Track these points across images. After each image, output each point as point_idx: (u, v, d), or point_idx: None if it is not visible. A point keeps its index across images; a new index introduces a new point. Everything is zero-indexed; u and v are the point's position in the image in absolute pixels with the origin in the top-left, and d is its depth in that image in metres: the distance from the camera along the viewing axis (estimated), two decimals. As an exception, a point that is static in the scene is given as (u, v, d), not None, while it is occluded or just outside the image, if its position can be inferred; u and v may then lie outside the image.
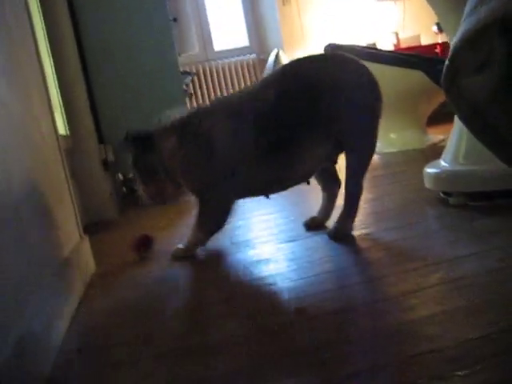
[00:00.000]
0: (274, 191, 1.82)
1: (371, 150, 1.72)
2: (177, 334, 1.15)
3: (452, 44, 0.78)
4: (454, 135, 1.89)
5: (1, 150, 1.11)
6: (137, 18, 2.90)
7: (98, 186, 2.77)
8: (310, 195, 2.46)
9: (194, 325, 1.20)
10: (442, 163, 1.92)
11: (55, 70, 2.66)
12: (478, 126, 0.92)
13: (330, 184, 1.87)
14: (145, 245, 1.84)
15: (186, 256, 1.76)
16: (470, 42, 0.76)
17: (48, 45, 2.65)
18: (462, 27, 0.76)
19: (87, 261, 1.75)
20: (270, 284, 1.36)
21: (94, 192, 2.75)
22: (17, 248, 1.10)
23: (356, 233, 1.70)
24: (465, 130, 1.84)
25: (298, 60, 1.75)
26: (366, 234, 1.68)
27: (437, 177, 1.90)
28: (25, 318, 1.04)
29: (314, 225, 1.86)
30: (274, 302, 1.26)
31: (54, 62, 2.65)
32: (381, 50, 3.92)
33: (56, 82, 2.68)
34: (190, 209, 2.66)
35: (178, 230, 2.23)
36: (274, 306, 1.22)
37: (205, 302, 1.35)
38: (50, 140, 1.67)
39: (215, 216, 1.77)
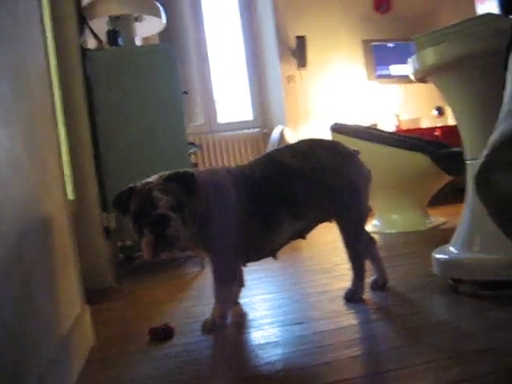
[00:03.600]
0: (251, 259, 1.93)
1: (360, 219, 1.92)
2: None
3: (490, 142, 0.79)
4: (465, 222, 1.89)
5: (14, 215, 1.09)
6: (150, 90, 2.95)
7: (98, 253, 2.74)
8: (308, 276, 2.42)
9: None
10: (452, 249, 1.90)
11: (66, 133, 2.68)
12: (505, 220, 0.91)
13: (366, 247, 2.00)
14: (166, 336, 1.72)
15: (216, 328, 1.74)
16: (510, 141, 0.76)
17: (62, 113, 2.68)
18: (502, 127, 0.77)
19: (87, 333, 1.69)
20: (280, 370, 1.31)
21: (93, 259, 2.71)
22: (24, 317, 1.06)
23: (360, 320, 1.66)
24: (476, 217, 1.84)
25: (286, 146, 1.98)
26: (375, 320, 1.64)
27: (447, 263, 1.87)
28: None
29: (377, 286, 2.02)
30: (285, 390, 1.21)
31: (66, 125, 2.67)
32: (384, 132, 3.99)
33: (67, 147, 2.69)
34: (189, 282, 2.64)
35: (180, 305, 2.18)
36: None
37: (211, 385, 1.29)
38: (59, 205, 1.65)
39: (229, 266, 1.82)
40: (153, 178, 1.68)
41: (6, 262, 0.99)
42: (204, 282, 2.59)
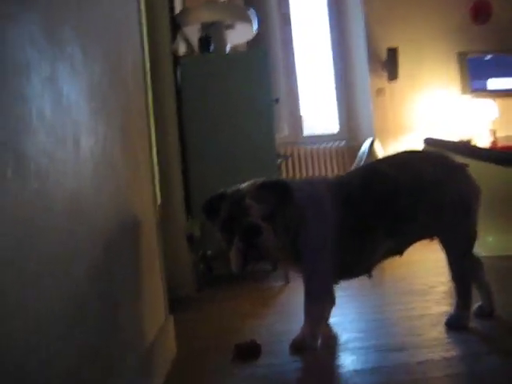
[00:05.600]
0: (344, 277, 1.80)
1: (468, 238, 1.73)
2: None
3: None
4: None
5: (106, 209, 1.02)
6: (241, 97, 2.89)
7: (180, 260, 2.68)
8: (402, 297, 2.24)
9: None
10: None
11: (156, 141, 2.65)
12: None
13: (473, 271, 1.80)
14: (253, 354, 1.60)
15: (306, 348, 1.60)
16: None
17: (153, 116, 2.66)
18: None
19: (170, 346, 1.61)
20: (382, 403, 1.17)
21: (175, 267, 2.65)
22: (107, 328, 0.98)
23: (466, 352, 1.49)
24: None
25: (387, 157, 1.87)
26: (483, 354, 1.46)
27: None
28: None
29: (483, 314, 1.80)
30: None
31: (155, 129, 2.65)
32: (483, 148, 3.75)
33: (156, 149, 2.67)
34: (273, 297, 2.53)
35: (264, 320, 2.07)
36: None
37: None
38: (149, 208, 1.59)
39: (323, 282, 1.67)
40: (245, 185, 1.59)
41: (94, 264, 0.92)
42: (289, 297, 2.48)
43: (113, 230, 1.08)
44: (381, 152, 4.20)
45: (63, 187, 0.77)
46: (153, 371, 1.30)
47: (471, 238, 1.72)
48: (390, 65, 5.21)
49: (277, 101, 3.01)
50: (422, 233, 1.76)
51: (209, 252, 3.40)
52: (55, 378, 0.69)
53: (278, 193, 1.56)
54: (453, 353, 1.47)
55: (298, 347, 1.61)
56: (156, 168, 2.61)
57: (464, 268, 1.72)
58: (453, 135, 5.07)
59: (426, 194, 1.70)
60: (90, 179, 0.91)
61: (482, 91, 5.41)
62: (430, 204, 1.69)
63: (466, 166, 1.78)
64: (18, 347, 0.59)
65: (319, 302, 1.66)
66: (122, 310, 1.10)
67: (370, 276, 1.80)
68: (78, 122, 0.84)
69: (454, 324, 1.71)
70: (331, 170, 5.20)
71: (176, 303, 2.49)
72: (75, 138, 0.82)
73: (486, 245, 3.50)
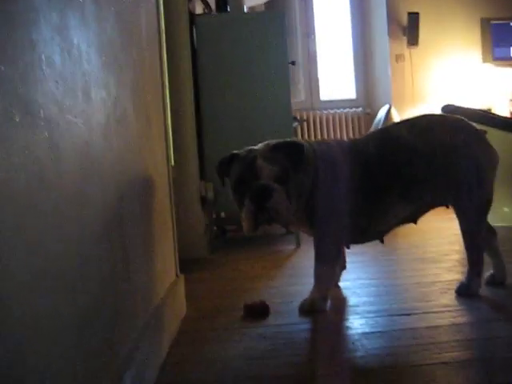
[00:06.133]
0: (356, 241, 1.80)
1: (482, 206, 1.70)
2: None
3: None
4: None
5: (114, 168, 1.01)
6: (256, 58, 2.85)
7: (193, 222, 2.69)
8: (414, 264, 2.24)
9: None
10: None
11: (170, 101, 2.63)
12: None
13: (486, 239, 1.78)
14: (262, 313, 1.63)
15: (315, 310, 1.62)
16: None
17: (167, 77, 2.63)
18: None
19: (181, 304, 1.63)
20: (391, 366, 1.17)
21: (188, 228, 2.66)
22: (120, 281, 0.98)
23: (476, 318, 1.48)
24: None
25: (405, 120, 1.85)
26: (493, 320, 1.46)
27: None
28: (119, 363, 0.91)
29: (493, 282, 1.80)
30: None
31: (170, 89, 2.63)
32: (504, 117, 3.67)
33: (169, 114, 2.65)
34: (283, 260, 2.53)
35: (274, 282, 2.08)
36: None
37: (309, 374, 1.17)
38: (162, 169, 1.59)
39: (334, 244, 1.68)
40: (258, 146, 1.58)
41: (105, 220, 0.92)
42: (299, 260, 2.48)
43: (124, 187, 1.08)
44: (397, 119, 4.14)
45: (73, 140, 0.76)
46: (162, 328, 1.31)
47: (485, 206, 1.70)
48: (410, 30, 5.09)
49: (293, 63, 2.96)
50: (436, 198, 1.73)
51: (222, 214, 3.41)
52: (64, 325, 0.69)
53: (291, 154, 1.54)
54: (462, 319, 1.47)
55: (307, 309, 1.62)
56: (170, 129, 2.60)
57: (476, 236, 1.70)
58: (472, 104, 4.98)
59: (442, 157, 1.67)
60: (100, 132, 0.90)
61: (504, 59, 5.29)
62: (446, 167, 1.67)
63: (485, 132, 1.74)
64: (20, 302, 0.59)
65: (329, 265, 1.66)
66: (132, 266, 1.10)
67: (382, 242, 1.79)
68: (87, 72, 0.82)
69: (465, 291, 1.70)
70: (347, 136, 5.15)
71: (189, 264, 2.51)
72: (85, 89, 0.80)
73: (501, 215, 3.47)
